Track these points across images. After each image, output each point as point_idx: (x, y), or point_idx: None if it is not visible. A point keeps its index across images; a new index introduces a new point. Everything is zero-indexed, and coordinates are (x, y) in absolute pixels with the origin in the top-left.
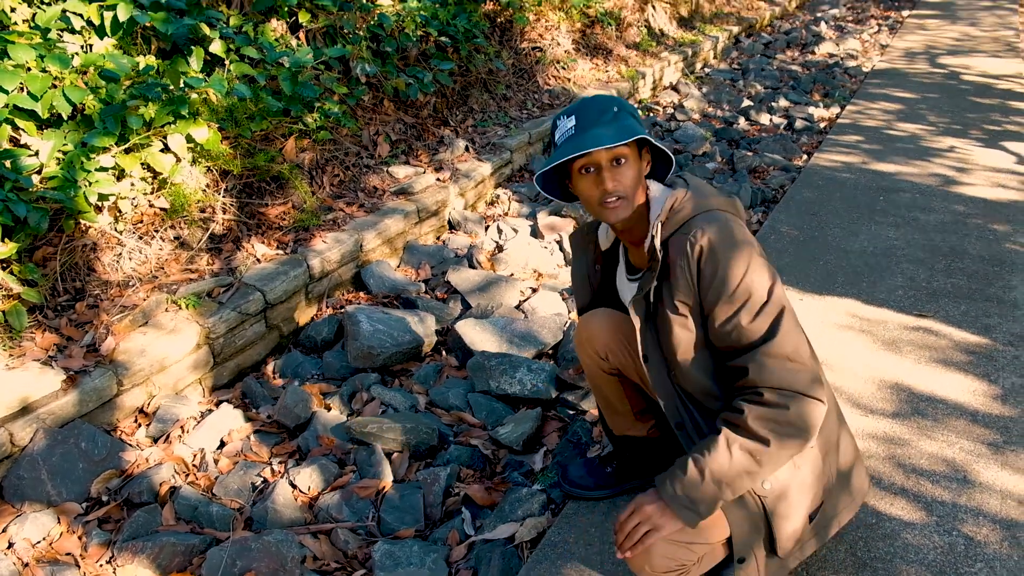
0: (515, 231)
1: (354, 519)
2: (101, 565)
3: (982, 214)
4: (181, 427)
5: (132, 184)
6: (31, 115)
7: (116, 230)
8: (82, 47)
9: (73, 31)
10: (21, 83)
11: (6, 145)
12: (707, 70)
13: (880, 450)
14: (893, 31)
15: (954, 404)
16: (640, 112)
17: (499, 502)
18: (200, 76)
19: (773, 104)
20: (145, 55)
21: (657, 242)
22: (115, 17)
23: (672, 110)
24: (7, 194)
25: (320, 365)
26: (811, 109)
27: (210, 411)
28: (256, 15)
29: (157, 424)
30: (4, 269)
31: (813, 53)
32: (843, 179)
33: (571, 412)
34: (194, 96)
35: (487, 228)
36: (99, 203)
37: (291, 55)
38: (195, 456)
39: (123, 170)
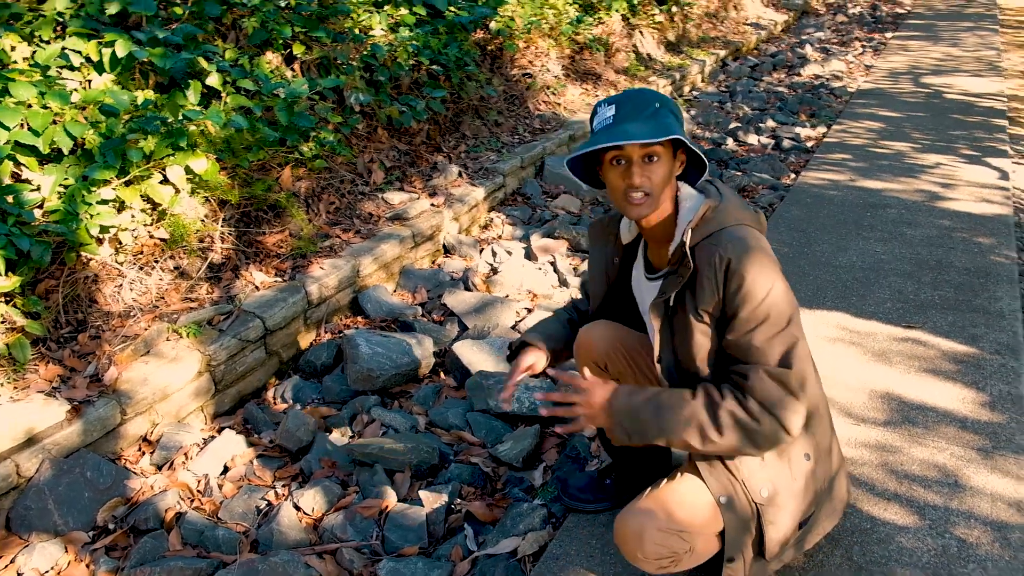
0: (509, 253)
1: (358, 539)
2: None
3: (967, 228)
4: (184, 454)
5: (132, 216)
6: (32, 150)
7: (117, 261)
8: (81, 83)
9: (72, 68)
10: (23, 119)
11: (8, 181)
12: (695, 93)
13: (873, 457)
14: (877, 52)
15: (944, 411)
16: None
17: (501, 518)
18: (198, 109)
19: (761, 125)
20: (143, 89)
21: (687, 247)
22: (113, 53)
23: None
24: (10, 228)
25: (320, 389)
26: (798, 129)
27: (212, 437)
28: (251, 48)
29: (160, 452)
30: (7, 302)
31: (799, 75)
32: (830, 196)
33: None
34: (192, 128)
35: (481, 251)
36: (100, 235)
37: (287, 86)
38: (199, 482)
39: (123, 202)
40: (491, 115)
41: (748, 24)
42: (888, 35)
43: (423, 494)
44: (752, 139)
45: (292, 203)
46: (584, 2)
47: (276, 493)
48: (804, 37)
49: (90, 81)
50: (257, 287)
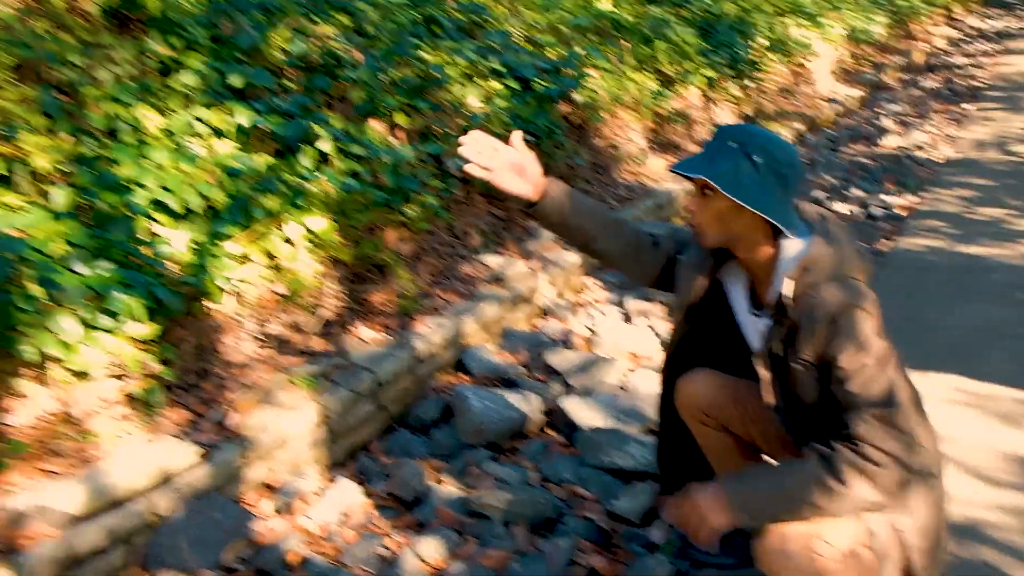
0: (604, 315)
1: None
2: None
3: None
4: (303, 500)
5: (256, 272)
6: (166, 208)
7: (238, 314)
8: (205, 149)
9: (197, 135)
10: (158, 180)
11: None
12: None
13: (1013, 522)
14: (958, 123)
15: None
16: None
17: (623, 574)
18: (313, 171)
19: (846, 193)
20: (258, 154)
21: (786, 300)
22: (239, 124)
23: None
24: (149, 279)
25: (428, 443)
26: (885, 197)
27: (329, 485)
28: (357, 117)
29: (281, 497)
30: (144, 350)
31: (879, 145)
32: (931, 262)
33: None
34: (310, 188)
35: (577, 313)
36: (226, 288)
37: (392, 152)
38: (320, 528)
39: (247, 257)
40: (579, 183)
41: (822, 99)
42: (967, 107)
43: (543, 546)
44: (840, 208)
45: (397, 263)
46: (662, 77)
47: (396, 541)
48: (878, 110)
49: (211, 147)
50: (366, 343)
